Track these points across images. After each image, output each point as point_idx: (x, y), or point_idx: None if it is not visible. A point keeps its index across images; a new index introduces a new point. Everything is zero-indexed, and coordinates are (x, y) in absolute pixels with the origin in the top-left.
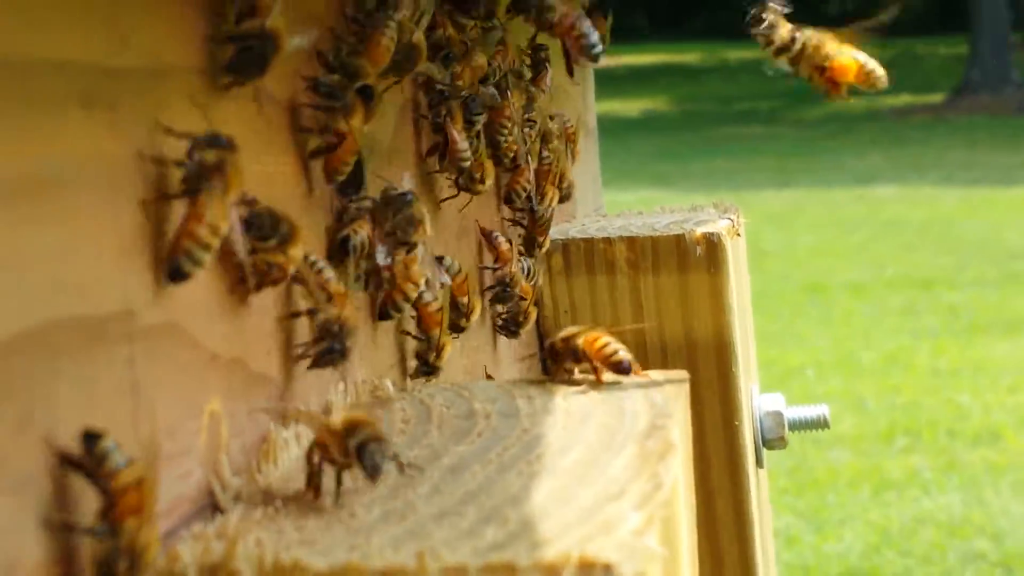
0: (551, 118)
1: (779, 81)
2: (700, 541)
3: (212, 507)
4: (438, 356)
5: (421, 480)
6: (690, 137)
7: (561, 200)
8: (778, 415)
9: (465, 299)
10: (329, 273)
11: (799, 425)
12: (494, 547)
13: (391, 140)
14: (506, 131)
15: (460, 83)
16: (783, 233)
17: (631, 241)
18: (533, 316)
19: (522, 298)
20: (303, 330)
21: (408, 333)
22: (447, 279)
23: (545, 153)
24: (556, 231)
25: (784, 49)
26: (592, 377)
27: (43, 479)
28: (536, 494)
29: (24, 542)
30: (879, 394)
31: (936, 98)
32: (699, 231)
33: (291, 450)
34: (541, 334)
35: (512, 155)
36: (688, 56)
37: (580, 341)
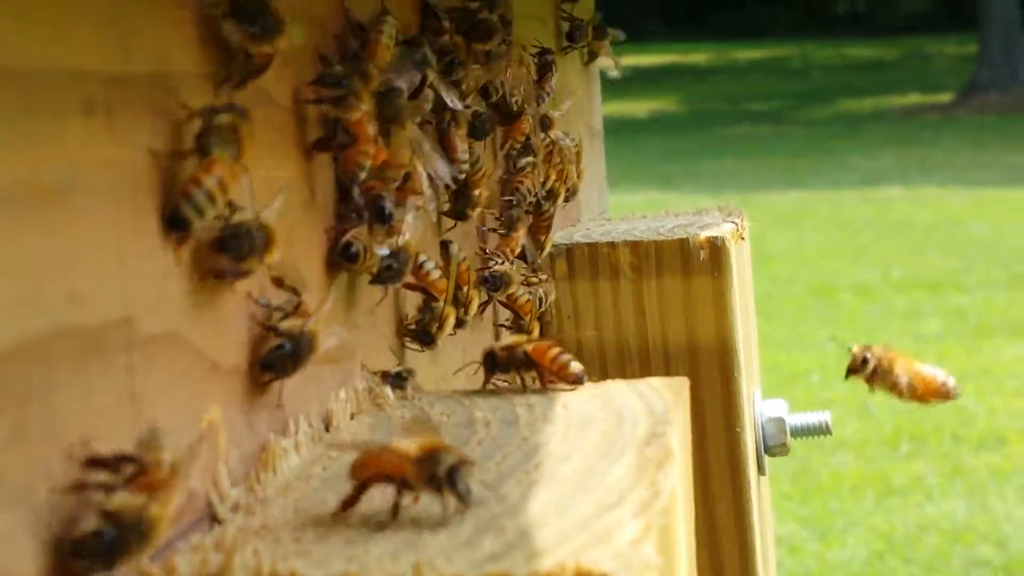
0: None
1: (787, 81)
2: (701, 549)
3: (210, 518)
4: (440, 327)
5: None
6: (698, 138)
7: (566, 199)
8: (780, 421)
9: (465, 289)
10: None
11: (801, 432)
12: (491, 558)
13: None
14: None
15: (464, 88)
16: (790, 234)
17: (635, 245)
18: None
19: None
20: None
21: (411, 286)
22: (444, 171)
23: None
24: (560, 235)
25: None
26: (537, 385)
27: (39, 491)
28: (534, 503)
29: (19, 556)
30: (884, 399)
31: (945, 98)
32: (703, 235)
33: (290, 460)
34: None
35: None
36: (696, 56)
37: (529, 349)
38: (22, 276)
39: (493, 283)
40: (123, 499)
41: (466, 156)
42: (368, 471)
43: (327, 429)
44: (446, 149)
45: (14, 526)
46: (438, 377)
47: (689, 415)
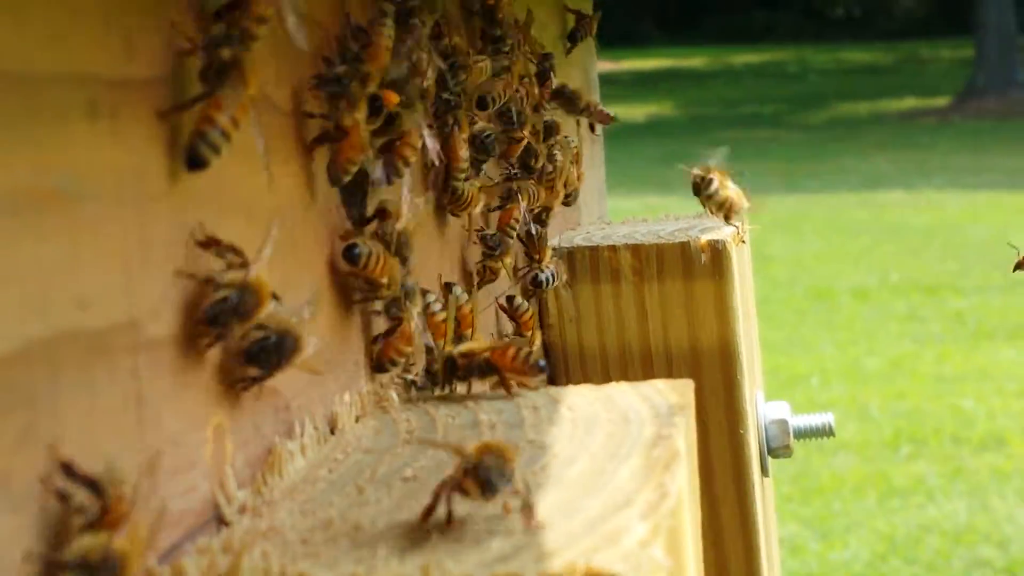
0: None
1: (784, 85)
2: (705, 550)
3: (217, 520)
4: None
5: (424, 492)
6: (695, 142)
7: (565, 203)
8: (783, 423)
9: (469, 332)
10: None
11: (804, 433)
12: (500, 559)
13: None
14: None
15: (465, 89)
16: (789, 238)
17: (636, 249)
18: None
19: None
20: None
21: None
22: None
23: (550, 167)
24: (561, 239)
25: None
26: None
27: (45, 495)
28: (542, 504)
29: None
30: (884, 401)
31: (942, 102)
32: (704, 238)
33: (296, 462)
34: (546, 344)
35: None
36: (693, 61)
37: (488, 355)
38: (27, 280)
39: (491, 245)
40: (88, 541)
41: (467, 163)
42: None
43: (332, 432)
44: (448, 155)
45: (20, 529)
46: None
47: (694, 417)
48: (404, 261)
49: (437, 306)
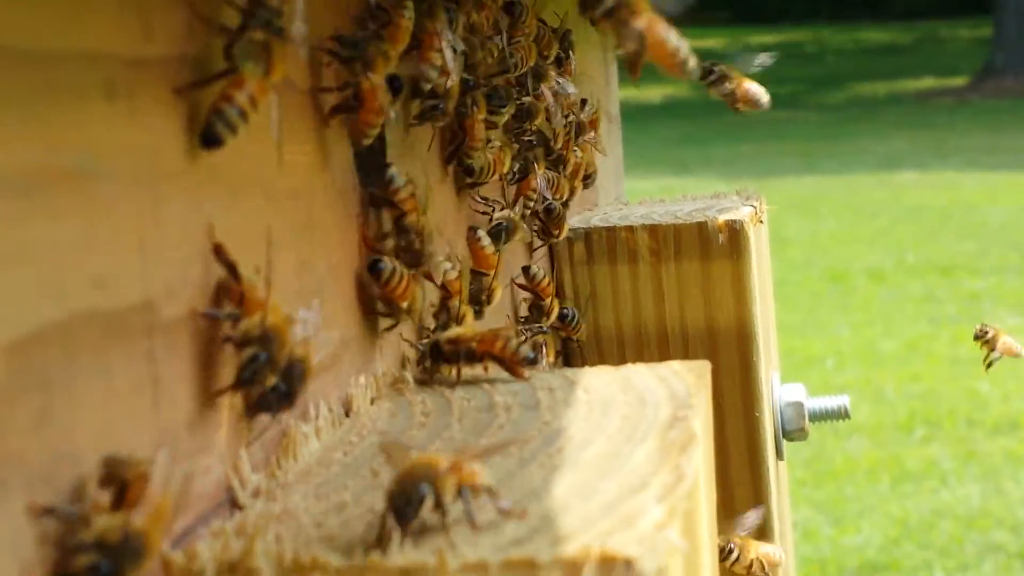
0: (582, 103)
1: (802, 65)
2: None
3: (231, 503)
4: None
5: None
6: (712, 123)
7: (584, 186)
8: (799, 406)
9: (456, 301)
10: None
11: (820, 416)
12: (514, 543)
13: (410, 132)
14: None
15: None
16: (806, 219)
17: (653, 229)
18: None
19: (483, 273)
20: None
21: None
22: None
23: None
24: (578, 220)
25: None
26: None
27: (61, 477)
28: (557, 487)
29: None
30: (898, 383)
31: (959, 81)
32: (721, 219)
33: (310, 445)
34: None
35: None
36: (710, 41)
37: (475, 344)
38: (43, 261)
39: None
40: (106, 522)
41: (483, 143)
42: None
43: (347, 414)
44: (466, 135)
45: (36, 511)
46: None
47: (711, 399)
48: (422, 259)
49: (448, 265)
